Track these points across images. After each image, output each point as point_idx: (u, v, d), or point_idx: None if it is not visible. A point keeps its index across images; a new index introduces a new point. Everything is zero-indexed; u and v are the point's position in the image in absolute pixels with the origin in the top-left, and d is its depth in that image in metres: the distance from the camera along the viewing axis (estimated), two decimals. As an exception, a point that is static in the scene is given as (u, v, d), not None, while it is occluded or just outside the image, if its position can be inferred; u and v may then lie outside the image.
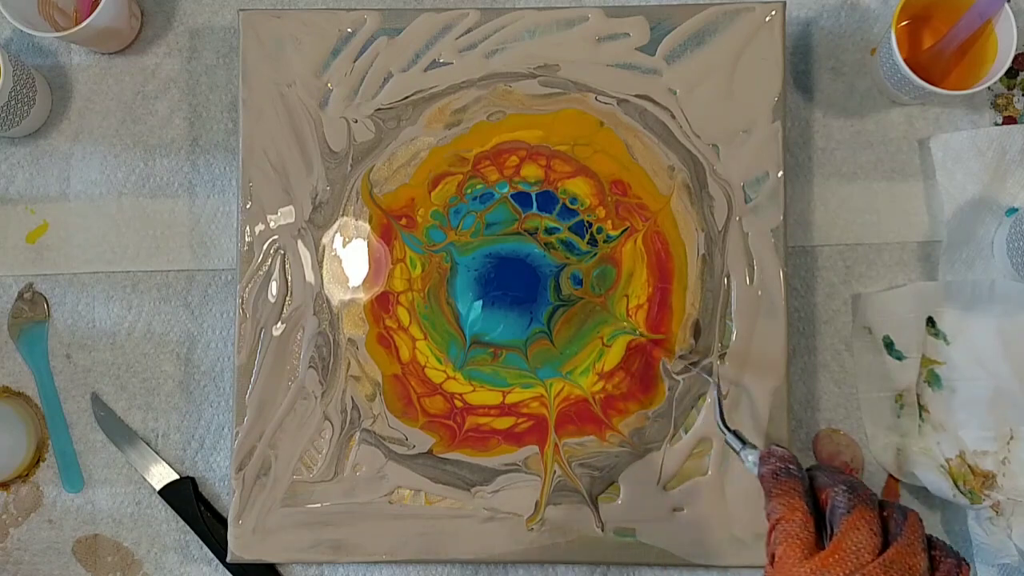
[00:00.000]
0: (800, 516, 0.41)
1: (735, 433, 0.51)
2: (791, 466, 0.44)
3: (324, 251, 0.62)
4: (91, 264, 0.66)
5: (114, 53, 0.68)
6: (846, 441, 0.63)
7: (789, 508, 0.42)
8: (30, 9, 0.64)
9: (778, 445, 0.47)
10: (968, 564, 0.41)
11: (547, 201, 0.61)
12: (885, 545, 0.40)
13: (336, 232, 0.62)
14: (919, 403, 0.63)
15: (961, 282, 0.63)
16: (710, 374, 0.60)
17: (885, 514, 0.41)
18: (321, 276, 0.61)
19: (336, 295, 0.61)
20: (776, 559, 0.41)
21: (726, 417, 0.55)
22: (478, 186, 0.61)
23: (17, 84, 0.62)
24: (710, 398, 0.58)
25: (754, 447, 0.48)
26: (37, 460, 0.66)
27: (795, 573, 0.40)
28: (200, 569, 0.65)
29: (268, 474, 0.60)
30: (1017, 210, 0.63)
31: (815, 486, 0.43)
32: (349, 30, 0.62)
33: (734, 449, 0.50)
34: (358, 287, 0.61)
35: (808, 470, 0.45)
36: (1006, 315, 0.62)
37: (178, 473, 0.65)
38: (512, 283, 0.61)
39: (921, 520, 0.41)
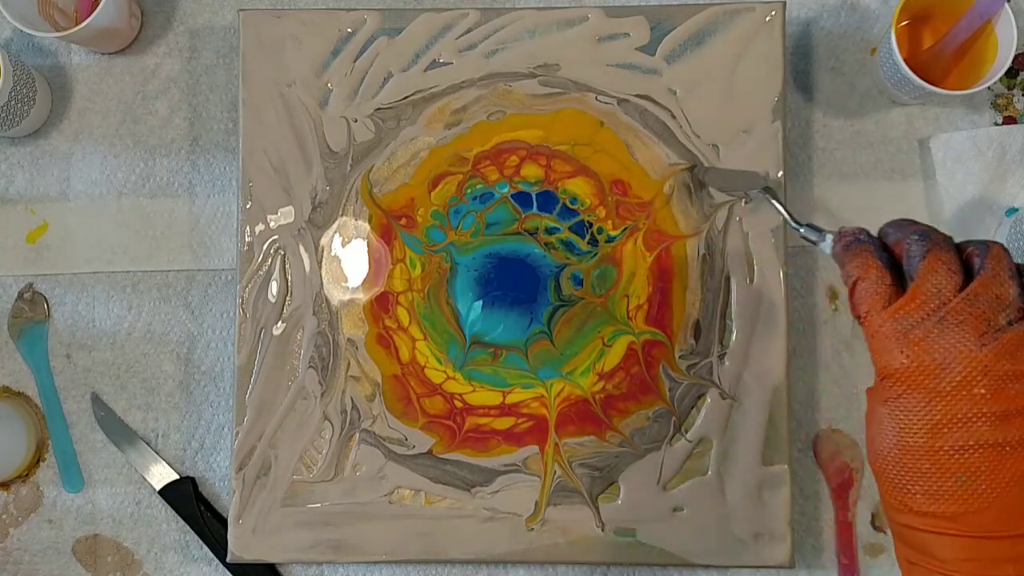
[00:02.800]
0: (874, 272, 0.40)
1: (809, 226, 0.48)
2: (861, 235, 0.42)
3: (324, 251, 0.61)
4: (91, 264, 0.66)
5: (114, 53, 0.68)
6: (846, 441, 0.63)
7: (863, 267, 0.40)
8: (30, 9, 0.64)
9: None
10: None
11: (547, 201, 0.61)
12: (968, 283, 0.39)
13: (336, 232, 0.62)
14: (919, 403, 0.63)
15: (961, 282, 0.63)
16: (709, 375, 0.60)
17: (967, 253, 0.39)
18: (321, 276, 0.61)
19: (336, 295, 0.61)
20: (862, 319, 0.40)
21: (793, 214, 0.53)
22: (478, 186, 0.61)
23: (17, 84, 0.62)
24: (775, 205, 0.55)
25: (830, 232, 0.46)
26: (37, 460, 0.66)
27: (878, 322, 0.39)
28: (200, 569, 0.65)
29: (268, 474, 0.60)
30: (1017, 210, 0.63)
31: (888, 244, 0.41)
32: (349, 30, 0.62)
33: (811, 241, 0.47)
34: (358, 287, 0.61)
35: (880, 231, 0.43)
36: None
37: (178, 473, 0.65)
38: (512, 283, 0.61)
39: (1006, 250, 0.39)
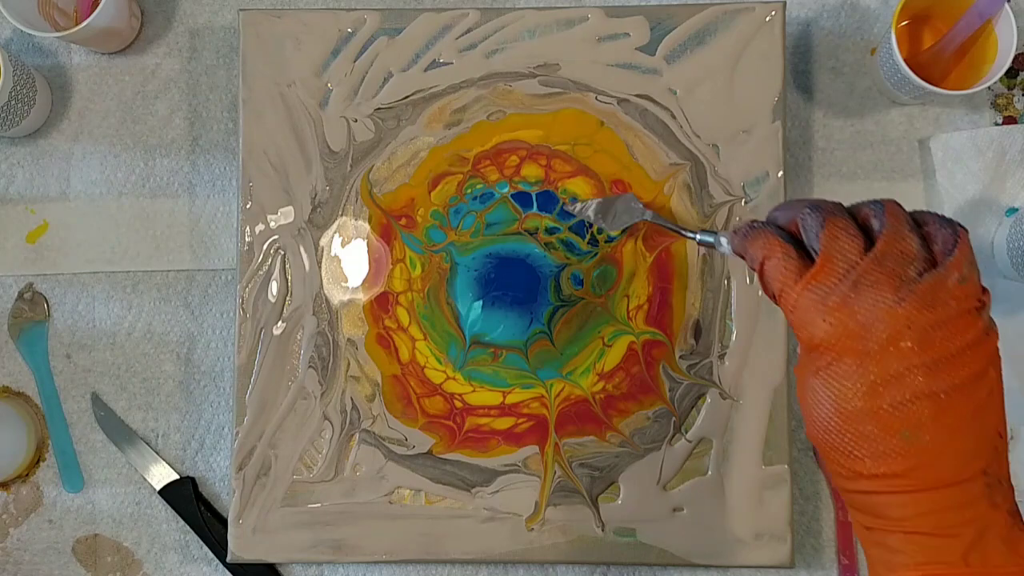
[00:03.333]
0: (779, 249, 0.40)
1: (702, 231, 0.49)
2: (754, 224, 0.42)
3: (323, 251, 0.61)
4: (91, 264, 0.66)
5: (114, 53, 0.68)
6: (846, 441, 0.63)
7: (766, 247, 0.41)
8: (30, 9, 0.64)
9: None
10: (964, 228, 0.39)
11: (547, 201, 0.61)
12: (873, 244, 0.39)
13: (335, 232, 0.62)
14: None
15: (961, 282, 0.63)
16: (709, 375, 0.60)
17: (863, 215, 0.40)
18: (321, 276, 0.61)
19: (336, 295, 0.61)
20: (778, 296, 0.40)
21: (680, 227, 0.54)
22: (478, 186, 0.61)
23: (17, 84, 0.62)
24: (663, 223, 0.57)
25: (723, 233, 0.47)
26: (37, 460, 0.66)
27: (795, 296, 0.39)
28: (200, 569, 0.65)
29: (268, 474, 0.60)
30: (1017, 210, 0.63)
31: (782, 224, 0.42)
32: (349, 30, 0.62)
33: (709, 244, 0.48)
34: (358, 287, 0.61)
35: (769, 216, 0.43)
36: (1006, 315, 0.62)
37: (178, 473, 0.65)
38: (512, 283, 0.61)
39: (900, 205, 0.40)
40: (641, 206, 0.59)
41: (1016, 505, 0.39)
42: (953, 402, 0.37)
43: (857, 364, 0.38)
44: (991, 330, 0.39)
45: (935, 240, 0.39)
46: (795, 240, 0.41)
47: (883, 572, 0.39)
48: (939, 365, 0.37)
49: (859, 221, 0.40)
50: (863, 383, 0.38)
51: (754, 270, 0.42)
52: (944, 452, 0.37)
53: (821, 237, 0.39)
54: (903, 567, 0.38)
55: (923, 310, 0.37)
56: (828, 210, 0.40)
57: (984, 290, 0.39)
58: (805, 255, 0.40)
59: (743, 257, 0.43)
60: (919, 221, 0.39)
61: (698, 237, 0.49)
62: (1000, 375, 0.39)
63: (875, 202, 0.40)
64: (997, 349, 0.39)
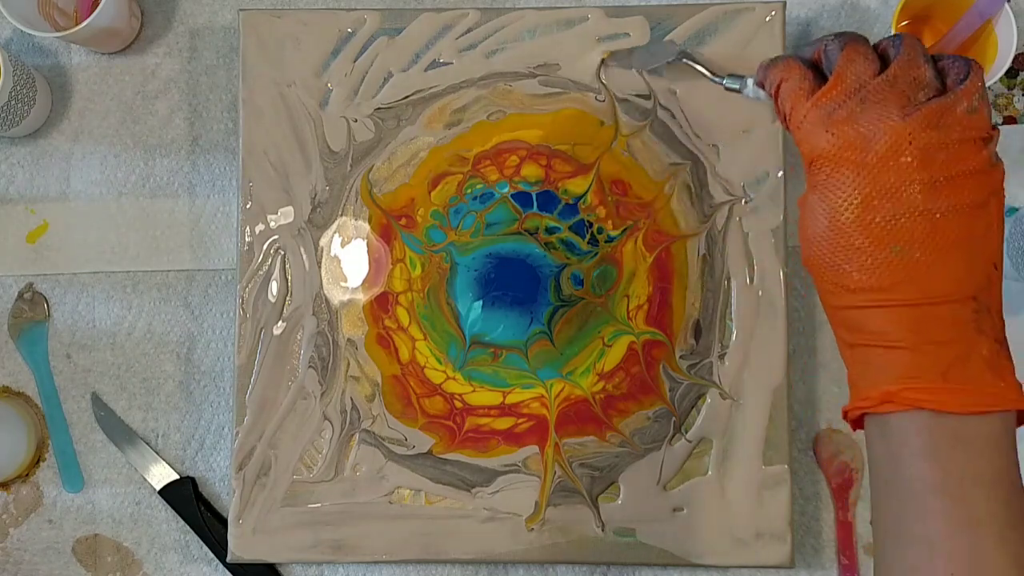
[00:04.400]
0: (797, 71, 0.41)
1: (730, 76, 0.49)
2: (778, 56, 0.44)
3: (323, 251, 0.61)
4: (91, 264, 0.66)
5: (114, 53, 0.68)
6: (846, 441, 0.63)
7: (785, 70, 0.41)
8: (30, 9, 0.64)
9: None
10: (978, 63, 0.40)
11: (547, 201, 0.61)
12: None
13: (335, 232, 0.62)
14: (919, 402, 0.63)
15: (961, 282, 0.63)
16: (710, 375, 0.60)
17: (882, 47, 0.41)
18: (320, 276, 0.61)
19: (335, 295, 0.61)
20: (788, 115, 0.41)
21: (711, 68, 0.54)
22: (478, 186, 0.61)
23: (17, 84, 0.62)
24: (693, 65, 0.56)
25: (749, 76, 0.47)
26: (37, 460, 0.66)
27: (803, 111, 0.40)
28: (200, 569, 0.65)
29: (268, 474, 0.60)
30: (1017, 210, 0.63)
31: (806, 57, 0.43)
32: (349, 30, 0.62)
33: (735, 90, 0.48)
34: (357, 287, 0.61)
35: (795, 52, 0.44)
36: (1006, 315, 0.62)
37: (178, 473, 0.65)
38: (512, 283, 0.61)
39: (919, 41, 0.40)
40: (675, 46, 0.59)
41: (1004, 336, 0.40)
42: (949, 223, 0.38)
43: (854, 175, 0.38)
44: (996, 165, 0.39)
45: (948, 72, 0.39)
46: (815, 67, 0.42)
47: (863, 388, 0.40)
48: (938, 185, 0.38)
49: (878, 51, 0.40)
50: (859, 194, 0.38)
51: (771, 96, 0.43)
52: (933, 271, 0.38)
53: (839, 58, 0.40)
54: (884, 382, 0.39)
55: (927, 129, 0.38)
56: (851, 36, 0.41)
57: (994, 127, 0.39)
58: (821, 80, 0.41)
59: (763, 88, 0.44)
60: (935, 56, 0.40)
61: (725, 82, 0.49)
62: (1001, 210, 0.39)
63: (895, 36, 0.40)
64: (1001, 184, 0.39)
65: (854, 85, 0.39)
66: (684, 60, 0.57)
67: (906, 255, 0.38)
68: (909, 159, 0.38)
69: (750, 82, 0.46)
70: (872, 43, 0.41)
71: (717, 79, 0.50)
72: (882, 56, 0.40)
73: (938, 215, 0.38)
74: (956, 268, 0.38)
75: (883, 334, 0.39)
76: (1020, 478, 0.39)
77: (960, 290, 0.38)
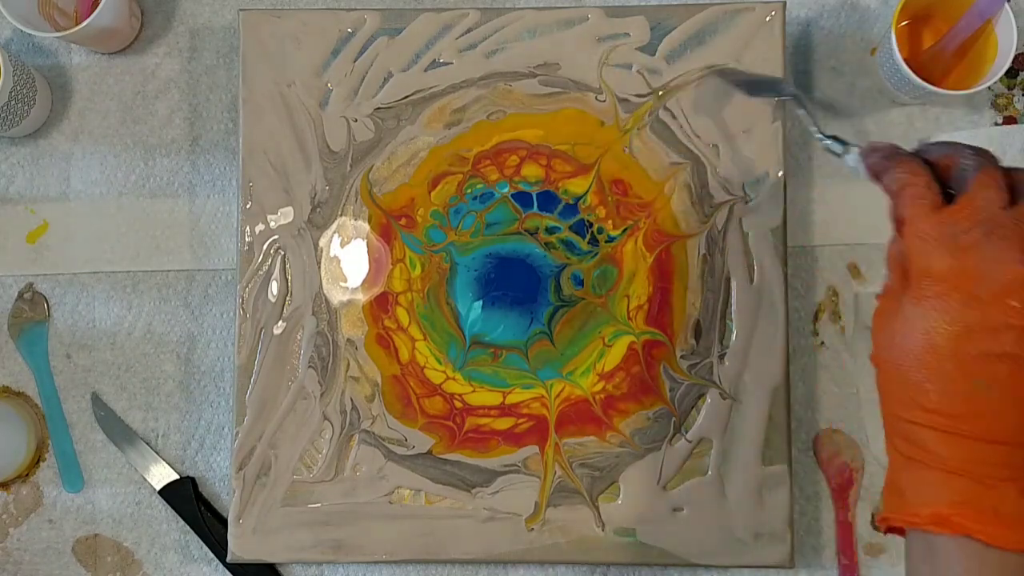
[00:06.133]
0: (924, 179, 0.41)
1: (833, 137, 0.48)
2: (899, 149, 0.43)
3: (323, 251, 0.61)
4: (91, 264, 0.66)
5: (114, 53, 0.68)
6: (846, 441, 0.63)
7: (912, 174, 0.41)
8: (30, 9, 0.64)
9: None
10: None
11: (547, 201, 0.61)
12: (1015, 203, 0.40)
13: (335, 232, 0.62)
14: (919, 403, 0.63)
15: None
16: (710, 375, 0.60)
17: (1015, 177, 0.41)
18: (320, 276, 0.61)
19: (335, 295, 0.61)
20: (905, 221, 0.41)
21: (816, 119, 0.52)
22: (478, 186, 0.61)
23: (17, 84, 0.62)
24: (799, 112, 0.53)
25: (855, 145, 0.46)
26: (37, 460, 0.66)
27: (925, 226, 0.40)
28: (200, 569, 0.65)
29: (268, 474, 0.60)
30: (1017, 210, 0.63)
31: (934, 159, 0.42)
32: (349, 30, 0.62)
33: (835, 153, 0.47)
34: (357, 287, 0.61)
35: (919, 148, 0.44)
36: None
37: (178, 473, 0.65)
38: (512, 283, 0.61)
39: None
40: (790, 87, 0.57)
41: None
42: None
43: (963, 304, 0.39)
44: None
45: None
46: (938, 176, 0.41)
47: (913, 503, 0.41)
48: None
49: (1011, 181, 0.41)
50: (962, 324, 0.39)
51: (886, 191, 0.42)
52: (1006, 412, 0.39)
53: (972, 182, 0.40)
54: (938, 503, 0.40)
55: None
56: (989, 158, 0.41)
57: None
58: (943, 191, 0.41)
59: (874, 177, 0.43)
60: None
61: (827, 142, 0.48)
62: None
63: None
64: None
65: (983, 214, 0.39)
66: (794, 101, 0.54)
67: (985, 391, 0.39)
68: (1016, 303, 0.38)
69: (854, 152, 0.45)
70: (1004, 167, 0.41)
71: (819, 136, 0.49)
72: (1011, 187, 0.40)
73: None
74: (1020, 416, 0.40)
75: (944, 458, 0.40)
76: None
77: (1021, 435, 0.40)
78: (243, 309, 0.61)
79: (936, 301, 0.39)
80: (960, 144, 0.42)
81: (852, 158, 0.45)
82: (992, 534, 0.39)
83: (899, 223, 0.42)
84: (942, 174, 0.42)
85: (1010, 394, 0.39)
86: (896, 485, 0.42)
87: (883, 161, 0.43)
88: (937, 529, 0.40)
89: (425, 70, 0.62)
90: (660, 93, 0.61)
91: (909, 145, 0.64)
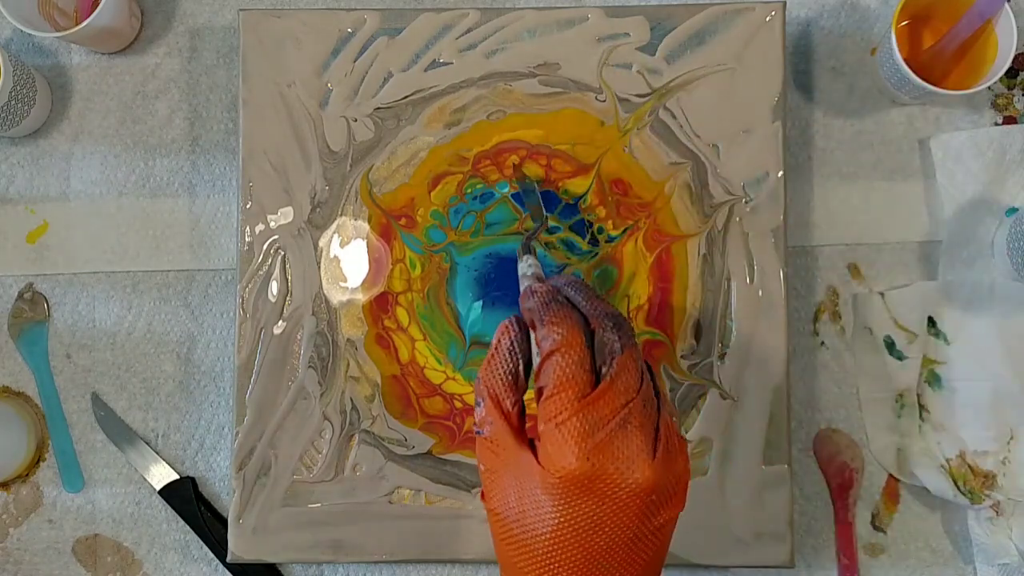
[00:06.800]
0: (578, 353, 0.38)
1: (528, 247, 0.47)
2: (559, 297, 0.40)
3: (323, 251, 0.61)
4: (91, 264, 0.66)
5: (114, 53, 0.68)
6: (846, 441, 0.63)
7: (568, 342, 0.38)
8: (30, 9, 0.64)
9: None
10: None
11: (547, 201, 0.61)
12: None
13: (335, 232, 0.62)
14: (919, 403, 0.63)
15: (961, 282, 0.63)
16: (710, 375, 0.60)
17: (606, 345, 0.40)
18: (320, 276, 0.61)
19: (335, 295, 0.61)
20: (545, 393, 0.38)
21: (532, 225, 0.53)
22: (478, 186, 0.61)
23: (17, 84, 0.62)
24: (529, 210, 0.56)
25: (532, 259, 0.45)
26: (37, 460, 0.66)
27: (566, 414, 0.37)
28: (200, 569, 0.65)
29: (268, 474, 0.60)
30: (1017, 210, 0.63)
31: (581, 310, 0.40)
32: (349, 30, 0.62)
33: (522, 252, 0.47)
34: (357, 287, 0.61)
35: (557, 285, 0.42)
36: (1006, 315, 0.62)
37: (178, 473, 0.65)
38: (512, 283, 0.60)
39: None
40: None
41: None
42: (650, 541, 0.39)
43: (598, 504, 0.37)
44: (689, 476, 0.41)
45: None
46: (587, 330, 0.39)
47: None
48: (659, 512, 0.38)
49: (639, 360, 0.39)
50: (595, 520, 0.37)
51: (537, 344, 0.40)
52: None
53: (616, 363, 0.38)
54: None
55: (662, 469, 0.38)
56: (631, 335, 0.39)
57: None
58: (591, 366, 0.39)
59: (528, 324, 0.41)
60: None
61: (519, 258, 0.47)
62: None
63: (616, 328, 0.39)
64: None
65: (622, 401, 0.37)
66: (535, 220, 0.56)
67: (608, 570, 0.38)
68: (655, 497, 0.38)
69: (528, 261, 0.44)
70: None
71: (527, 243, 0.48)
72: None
73: (648, 536, 0.39)
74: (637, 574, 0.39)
75: None
76: None
77: None
78: (243, 309, 0.61)
79: (569, 499, 0.37)
80: (599, 305, 0.40)
81: (524, 265, 0.44)
82: None
83: (539, 391, 0.39)
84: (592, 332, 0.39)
85: (629, 564, 0.38)
86: None
87: (543, 308, 0.40)
88: None
89: (425, 70, 0.62)
90: (660, 93, 0.61)
91: (909, 146, 0.65)
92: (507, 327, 0.41)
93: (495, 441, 0.40)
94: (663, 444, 0.38)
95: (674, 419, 0.39)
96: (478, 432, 0.41)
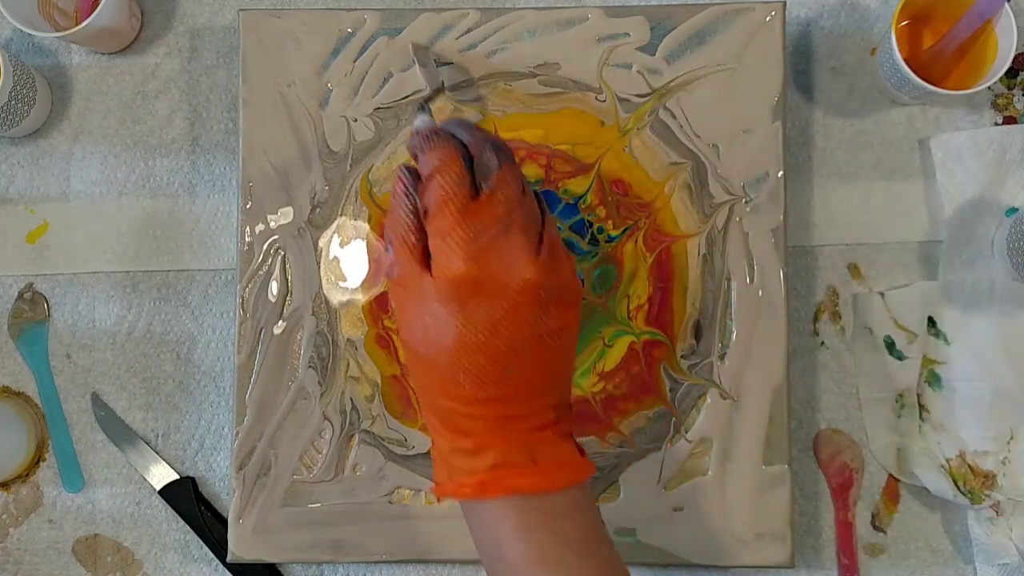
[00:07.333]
0: (456, 171, 0.41)
1: (425, 105, 0.50)
2: (441, 132, 0.44)
3: (323, 251, 0.61)
4: (91, 264, 0.66)
5: (114, 53, 0.68)
6: (846, 441, 0.63)
7: (445, 162, 0.42)
8: (30, 9, 0.64)
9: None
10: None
11: (547, 200, 0.61)
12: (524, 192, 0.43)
13: (335, 232, 0.62)
14: (919, 403, 0.63)
15: (961, 282, 0.63)
16: (710, 375, 0.60)
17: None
18: (320, 276, 0.61)
19: (335, 295, 0.61)
20: (430, 213, 0.42)
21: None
22: (478, 186, 0.61)
23: (17, 84, 0.62)
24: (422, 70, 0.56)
25: (424, 116, 0.47)
26: (37, 460, 0.66)
27: (448, 225, 0.41)
28: (200, 569, 0.65)
29: (268, 474, 0.60)
30: (1017, 210, 0.63)
31: (462, 140, 0.43)
32: (349, 30, 0.62)
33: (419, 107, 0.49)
34: (357, 287, 0.61)
35: (445, 126, 0.45)
36: (1006, 315, 0.62)
37: (178, 473, 0.65)
38: (512, 283, 0.60)
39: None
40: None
41: (570, 426, 0.45)
42: (550, 345, 0.42)
43: (489, 306, 0.41)
44: (581, 289, 0.45)
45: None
46: (469, 161, 0.43)
47: (459, 471, 0.43)
48: (552, 313, 0.42)
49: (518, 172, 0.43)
50: (490, 321, 0.41)
51: (420, 173, 0.43)
52: (529, 379, 0.42)
53: (496, 176, 0.41)
54: (478, 471, 0.42)
55: (548, 271, 0.41)
56: (509, 154, 0.43)
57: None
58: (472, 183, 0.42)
59: (413, 158, 0.44)
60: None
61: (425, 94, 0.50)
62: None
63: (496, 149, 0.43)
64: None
65: (503, 209, 0.41)
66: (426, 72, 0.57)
67: (513, 373, 0.41)
68: (543, 294, 0.41)
69: (420, 119, 0.47)
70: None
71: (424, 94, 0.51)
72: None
73: (547, 338, 0.42)
74: (544, 380, 0.43)
75: (480, 434, 0.42)
76: (603, 530, 0.45)
77: (545, 399, 0.43)
78: (243, 309, 0.61)
79: (463, 303, 0.40)
80: (479, 133, 0.43)
81: (419, 121, 0.47)
82: (533, 484, 0.42)
83: (425, 212, 0.42)
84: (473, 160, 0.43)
85: (534, 367, 0.42)
86: (443, 458, 0.44)
87: (422, 142, 0.43)
88: (482, 496, 0.42)
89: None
90: (660, 93, 0.61)
91: (909, 146, 0.65)
92: (399, 174, 0.44)
93: (402, 275, 0.43)
94: (546, 247, 0.42)
95: (558, 235, 0.44)
96: (389, 276, 0.44)
